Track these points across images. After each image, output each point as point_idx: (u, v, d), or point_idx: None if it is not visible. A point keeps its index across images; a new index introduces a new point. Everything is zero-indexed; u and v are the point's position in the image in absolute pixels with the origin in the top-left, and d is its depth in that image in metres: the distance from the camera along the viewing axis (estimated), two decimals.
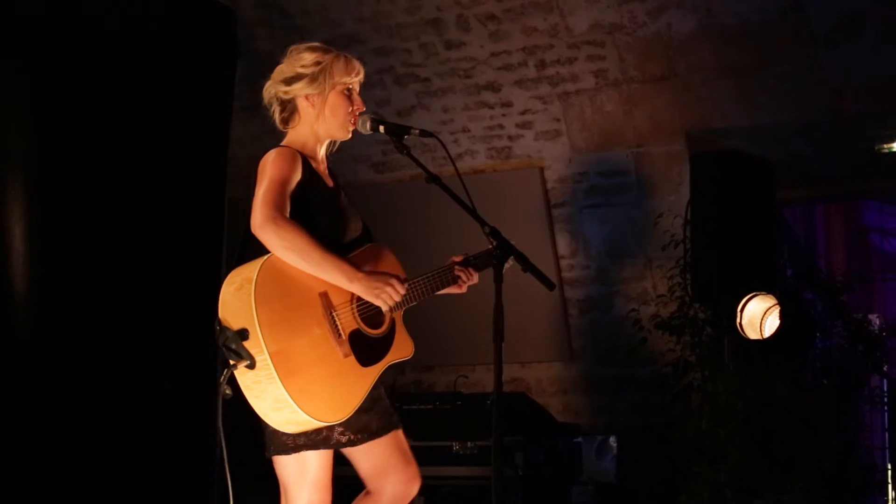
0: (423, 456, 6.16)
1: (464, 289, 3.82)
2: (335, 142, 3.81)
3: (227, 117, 7.23)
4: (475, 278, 3.82)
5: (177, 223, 6.42)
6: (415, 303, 3.70)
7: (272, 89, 3.72)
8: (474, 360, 7.61)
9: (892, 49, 6.39)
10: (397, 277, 3.58)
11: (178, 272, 6.12)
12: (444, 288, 3.79)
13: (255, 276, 3.40)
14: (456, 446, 6.11)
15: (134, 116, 6.29)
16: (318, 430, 3.52)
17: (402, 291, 3.56)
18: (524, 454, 5.99)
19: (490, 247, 3.67)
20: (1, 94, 5.73)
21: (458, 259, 3.82)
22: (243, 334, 3.36)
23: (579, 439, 6.62)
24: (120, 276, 6.10)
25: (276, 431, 3.54)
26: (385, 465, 3.71)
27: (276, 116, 3.74)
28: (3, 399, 5.59)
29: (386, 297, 3.53)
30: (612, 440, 6.66)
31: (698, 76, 6.83)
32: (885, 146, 7.34)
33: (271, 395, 3.38)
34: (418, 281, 3.70)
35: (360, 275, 3.51)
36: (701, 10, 6.63)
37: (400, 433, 3.79)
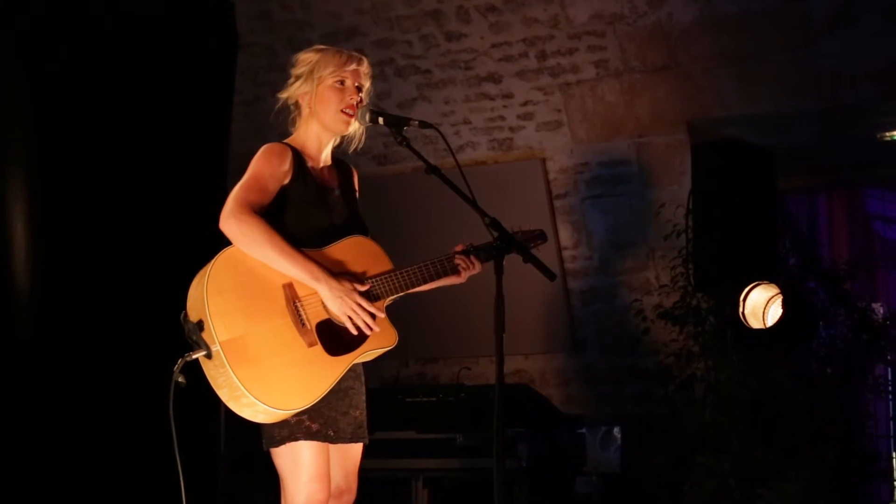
0: (426, 448, 6.24)
1: (464, 278, 3.78)
2: (345, 138, 3.81)
3: (228, 111, 7.22)
4: (477, 268, 3.76)
5: (178, 218, 6.42)
6: (403, 292, 3.66)
7: (282, 96, 3.78)
8: (478, 351, 7.60)
9: (891, 36, 6.38)
10: (363, 292, 3.56)
11: (179, 267, 6.12)
12: (441, 277, 3.73)
13: (209, 268, 3.46)
14: (459, 438, 6.11)
15: (134, 111, 6.29)
16: (298, 421, 3.53)
17: (355, 306, 3.52)
18: (528, 446, 5.99)
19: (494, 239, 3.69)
20: (1, 90, 5.74)
21: (459, 248, 3.80)
22: (201, 325, 3.41)
23: (583, 430, 6.62)
24: (121, 271, 6.11)
25: (264, 424, 3.56)
26: (329, 474, 3.67)
27: (289, 120, 3.80)
28: (5, 394, 5.60)
29: (341, 304, 3.51)
30: (616, 431, 6.65)
31: (699, 65, 6.82)
32: (887, 134, 7.34)
33: (228, 383, 3.41)
34: (409, 271, 3.67)
35: (325, 276, 3.50)
36: None
37: (359, 449, 3.77)
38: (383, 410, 6.02)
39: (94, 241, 6.02)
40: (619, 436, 6.66)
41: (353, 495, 3.78)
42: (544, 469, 6.15)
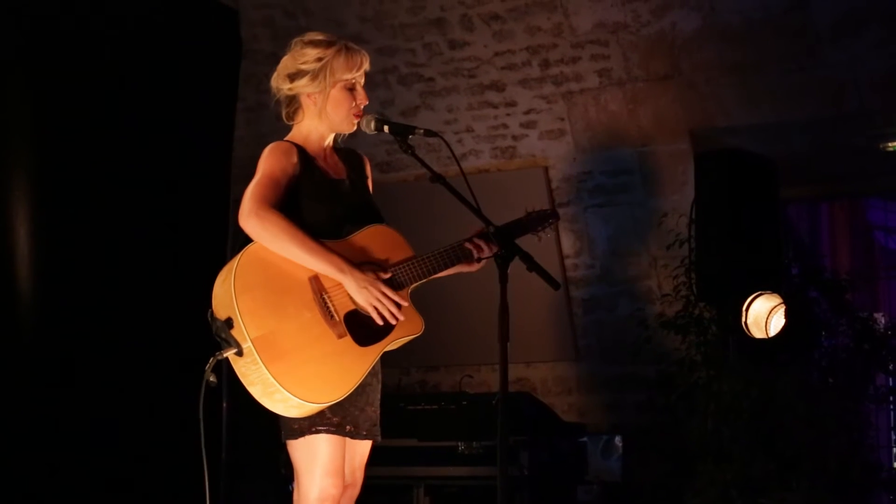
0: (428, 456, 6.23)
1: (476, 266, 3.78)
2: (342, 135, 3.84)
3: (231, 117, 7.24)
4: (491, 249, 3.73)
5: (181, 224, 6.43)
6: (427, 278, 3.69)
7: (277, 84, 3.75)
8: (479, 360, 7.60)
9: (894, 46, 6.38)
10: (387, 281, 3.58)
11: (182, 272, 6.13)
12: (456, 263, 3.74)
13: (235, 266, 3.45)
14: (461, 446, 6.10)
15: (138, 117, 6.31)
16: (319, 413, 3.53)
17: (381, 296, 3.54)
18: (529, 454, 5.99)
19: (521, 216, 3.86)
20: (5, 95, 5.75)
21: (477, 231, 3.79)
22: (230, 323, 3.41)
23: (584, 439, 6.61)
24: (124, 276, 6.12)
25: (283, 416, 3.56)
26: (343, 469, 3.68)
27: (283, 111, 3.79)
28: (7, 398, 5.60)
29: (366, 294, 3.52)
30: (618, 440, 6.65)
31: (702, 75, 6.83)
32: (890, 144, 7.33)
33: (261, 380, 3.42)
34: (430, 256, 3.69)
35: (349, 267, 3.53)
36: (705, 8, 6.62)
37: (368, 446, 3.79)
38: (384, 418, 6.02)
39: (97, 246, 6.03)
40: (620, 445, 6.66)
41: (357, 490, 3.79)
42: (546, 477, 6.14)
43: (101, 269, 6.02)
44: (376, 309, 3.54)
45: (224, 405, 6.27)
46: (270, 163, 3.62)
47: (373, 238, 3.67)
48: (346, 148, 3.90)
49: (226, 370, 3.57)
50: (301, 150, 3.70)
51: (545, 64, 7.10)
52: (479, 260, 3.77)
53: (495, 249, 3.70)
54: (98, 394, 5.91)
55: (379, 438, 3.78)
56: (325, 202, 3.67)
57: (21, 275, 5.67)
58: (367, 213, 3.77)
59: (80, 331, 5.88)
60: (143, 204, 6.27)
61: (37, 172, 5.81)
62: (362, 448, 3.78)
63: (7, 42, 5.74)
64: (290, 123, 3.81)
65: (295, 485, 3.63)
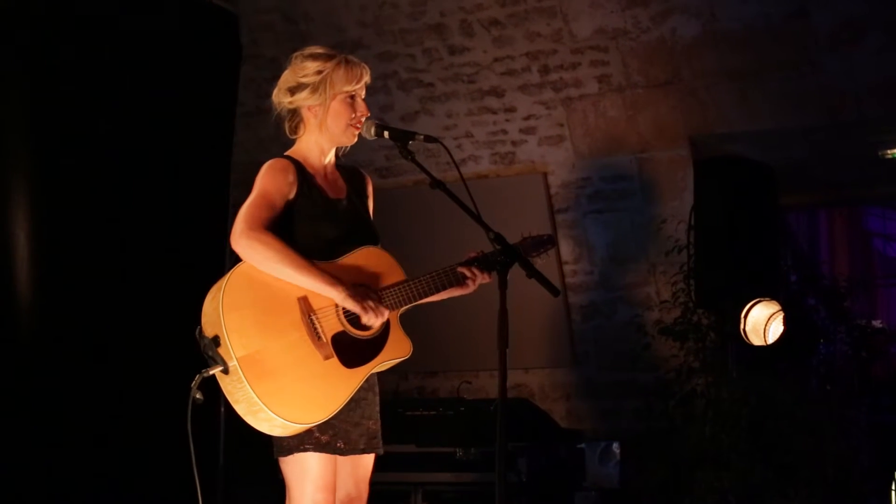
0: (426, 462, 6.23)
1: (470, 289, 3.78)
2: (344, 147, 3.82)
3: (231, 122, 7.24)
4: (485, 277, 3.75)
5: (180, 228, 6.43)
6: (414, 302, 3.67)
7: (278, 99, 3.75)
8: (477, 365, 7.60)
9: (894, 53, 6.39)
10: (376, 291, 3.57)
11: (181, 277, 6.13)
12: (447, 288, 3.73)
13: (224, 284, 3.46)
14: (459, 452, 6.10)
15: (137, 122, 6.31)
16: (308, 432, 3.53)
17: (374, 310, 3.54)
18: (527, 460, 5.98)
19: (518, 241, 3.78)
20: (4, 99, 5.75)
21: (472, 255, 3.78)
22: (217, 341, 3.42)
23: (582, 445, 6.61)
24: (123, 280, 6.11)
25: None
26: (339, 484, 3.68)
27: (286, 126, 3.78)
28: (6, 400, 5.60)
29: (357, 299, 3.52)
30: (616, 446, 6.65)
31: (702, 81, 6.83)
32: (889, 152, 7.34)
33: (245, 398, 3.42)
34: (420, 280, 3.68)
35: (340, 285, 3.52)
36: (705, 15, 6.63)
37: (371, 458, 3.78)
38: (383, 424, 6.01)
39: (96, 250, 6.03)
40: (618, 451, 6.65)
41: (363, 503, 3.79)
42: (544, 484, 6.14)
43: (100, 274, 6.01)
44: (366, 310, 3.53)
45: (222, 410, 6.27)
46: (266, 182, 3.61)
47: (365, 260, 3.67)
48: (349, 166, 3.88)
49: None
50: (299, 168, 3.68)
51: (545, 70, 7.10)
52: (473, 277, 3.75)
53: (488, 277, 3.71)
54: (94, 399, 5.90)
55: (380, 451, 3.77)
56: (320, 221, 3.66)
57: (20, 279, 5.67)
58: (363, 233, 3.74)
59: (78, 335, 5.88)
60: (142, 208, 6.27)
61: (35, 177, 5.81)
62: (365, 461, 3.77)
63: (6, 47, 5.74)
64: (294, 137, 3.80)
65: (287, 500, 3.63)
